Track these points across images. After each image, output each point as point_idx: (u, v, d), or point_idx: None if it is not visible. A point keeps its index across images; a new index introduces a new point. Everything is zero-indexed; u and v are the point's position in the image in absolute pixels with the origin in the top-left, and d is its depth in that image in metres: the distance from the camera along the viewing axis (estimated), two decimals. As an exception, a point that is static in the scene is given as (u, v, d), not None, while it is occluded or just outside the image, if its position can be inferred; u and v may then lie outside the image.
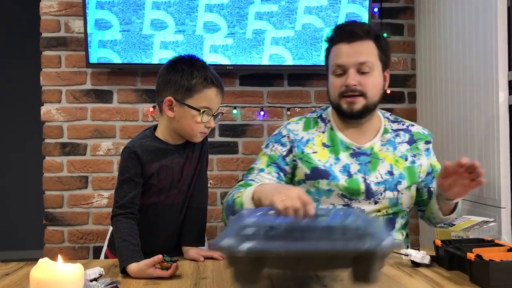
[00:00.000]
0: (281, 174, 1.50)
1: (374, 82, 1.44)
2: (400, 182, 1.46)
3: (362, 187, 1.44)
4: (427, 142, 1.56)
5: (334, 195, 1.44)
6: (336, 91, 1.45)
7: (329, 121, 1.54)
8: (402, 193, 1.47)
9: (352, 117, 1.46)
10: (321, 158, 1.47)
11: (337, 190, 1.44)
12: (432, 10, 2.36)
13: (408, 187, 1.48)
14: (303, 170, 1.47)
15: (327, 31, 2.35)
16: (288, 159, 1.50)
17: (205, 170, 1.51)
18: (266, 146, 1.55)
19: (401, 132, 1.55)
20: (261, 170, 1.49)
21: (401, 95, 2.58)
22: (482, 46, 1.93)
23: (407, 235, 1.56)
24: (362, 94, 1.43)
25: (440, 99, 2.30)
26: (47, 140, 2.40)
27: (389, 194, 1.45)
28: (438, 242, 1.22)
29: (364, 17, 2.36)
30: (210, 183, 2.45)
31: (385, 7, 2.54)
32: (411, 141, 1.54)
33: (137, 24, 2.30)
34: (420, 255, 1.21)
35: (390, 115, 1.62)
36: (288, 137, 1.52)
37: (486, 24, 1.90)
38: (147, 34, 2.31)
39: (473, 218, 1.49)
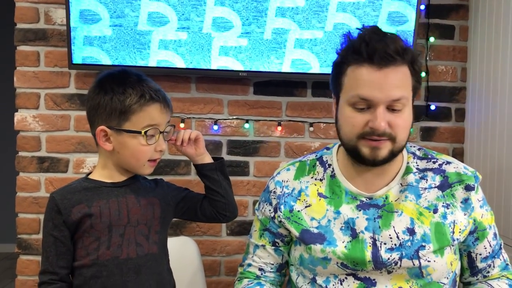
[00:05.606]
0: (278, 240, 1.25)
1: (406, 123, 1.09)
2: (424, 246, 1.10)
3: (368, 255, 1.11)
4: (468, 188, 1.15)
5: (332, 264, 1.14)
6: (356, 131, 1.09)
7: (330, 165, 1.22)
8: (428, 261, 1.10)
9: (373, 165, 1.13)
10: (316, 213, 1.18)
11: (334, 258, 1.13)
12: (491, 9, 1.92)
13: (438, 251, 1.11)
14: (293, 232, 1.20)
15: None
16: (276, 220, 1.24)
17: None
18: (258, 207, 1.31)
19: (429, 173, 1.17)
20: (256, 247, 1.28)
21: (447, 111, 2.15)
22: None
23: None
24: (391, 138, 1.08)
25: (495, 118, 1.88)
26: (21, 153, 2.01)
27: (407, 262, 1.10)
28: None
29: (410, 17, 1.92)
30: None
31: (434, 4, 2.09)
32: (444, 186, 1.16)
33: (132, 18, 1.88)
34: None
35: (420, 149, 1.23)
36: (275, 192, 1.24)
37: None
38: (144, 30, 1.90)
39: None
